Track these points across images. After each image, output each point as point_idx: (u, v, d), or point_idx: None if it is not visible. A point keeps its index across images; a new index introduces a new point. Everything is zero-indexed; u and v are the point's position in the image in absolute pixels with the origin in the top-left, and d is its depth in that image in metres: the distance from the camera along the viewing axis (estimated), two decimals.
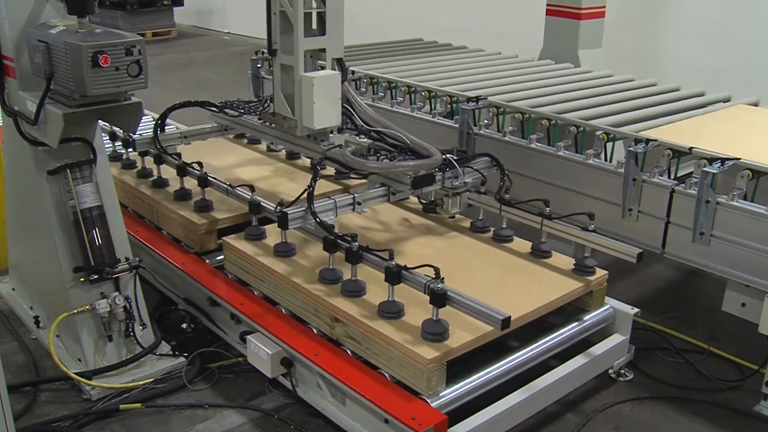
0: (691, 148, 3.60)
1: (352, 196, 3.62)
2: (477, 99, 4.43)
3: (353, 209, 3.63)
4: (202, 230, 4.03)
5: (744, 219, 3.33)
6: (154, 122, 4.72)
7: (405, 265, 3.11)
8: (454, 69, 5.45)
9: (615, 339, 3.66)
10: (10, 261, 4.34)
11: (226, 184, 4.04)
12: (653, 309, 4.33)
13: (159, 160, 4.49)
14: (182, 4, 14.82)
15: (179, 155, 4.48)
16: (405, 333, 3.04)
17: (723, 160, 3.45)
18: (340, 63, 3.85)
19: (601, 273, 3.61)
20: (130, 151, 4.84)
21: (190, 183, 4.30)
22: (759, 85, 7.24)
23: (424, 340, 2.99)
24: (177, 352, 3.79)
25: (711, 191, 3.39)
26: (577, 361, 3.46)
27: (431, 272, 3.02)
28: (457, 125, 4.49)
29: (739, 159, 3.45)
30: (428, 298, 3.02)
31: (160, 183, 4.51)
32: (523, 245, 3.85)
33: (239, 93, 8.32)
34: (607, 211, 3.81)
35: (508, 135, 4.27)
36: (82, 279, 3.54)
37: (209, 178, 4.13)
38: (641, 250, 3.45)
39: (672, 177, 3.68)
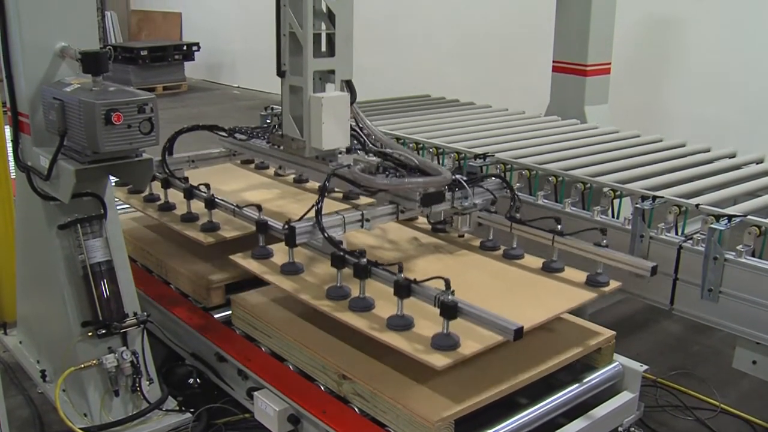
0: (698, 205, 3.62)
1: (360, 212, 3.57)
2: (484, 156, 4.47)
3: (362, 225, 3.58)
4: (210, 286, 4.04)
5: (753, 276, 3.32)
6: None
7: (414, 279, 3.05)
8: (461, 125, 5.51)
9: (624, 396, 3.62)
10: (18, 314, 4.35)
11: (233, 204, 4.02)
12: (662, 365, 4.30)
13: (166, 184, 4.47)
14: (193, 59, 15.05)
15: (186, 179, 4.46)
16: (413, 391, 3.03)
17: (730, 217, 3.46)
18: (348, 85, 3.86)
19: (608, 332, 3.60)
20: None
21: (197, 207, 4.27)
22: (764, 139, 7.31)
23: (435, 349, 2.92)
24: (183, 408, 3.77)
25: (719, 248, 3.39)
26: (586, 420, 3.41)
27: (441, 285, 2.96)
28: None
29: (746, 216, 3.46)
30: (438, 311, 2.94)
31: (167, 207, 4.48)
32: (534, 262, 3.78)
33: None
34: (615, 268, 3.81)
35: (516, 192, 4.29)
36: (90, 333, 3.54)
37: (216, 199, 4.10)
38: (655, 264, 3.41)
39: (679, 233, 3.69)
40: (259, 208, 3.87)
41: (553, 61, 6.48)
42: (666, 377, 4.22)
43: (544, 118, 6.02)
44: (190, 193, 4.25)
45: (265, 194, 4.78)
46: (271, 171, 5.30)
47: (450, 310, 2.92)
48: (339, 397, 3.32)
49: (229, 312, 3.96)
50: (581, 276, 3.58)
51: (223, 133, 4.78)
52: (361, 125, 4.00)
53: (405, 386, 3.07)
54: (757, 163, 4.69)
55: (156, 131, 3.23)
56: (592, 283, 3.51)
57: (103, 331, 3.54)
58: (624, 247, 3.75)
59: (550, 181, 4.20)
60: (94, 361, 3.55)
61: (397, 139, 5.03)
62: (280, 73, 3.90)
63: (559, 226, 3.68)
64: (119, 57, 14.08)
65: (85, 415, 3.63)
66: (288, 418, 3.33)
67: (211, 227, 4.10)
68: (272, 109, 5.84)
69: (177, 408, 3.77)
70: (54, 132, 3.29)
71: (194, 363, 4.00)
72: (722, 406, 3.99)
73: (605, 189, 3.98)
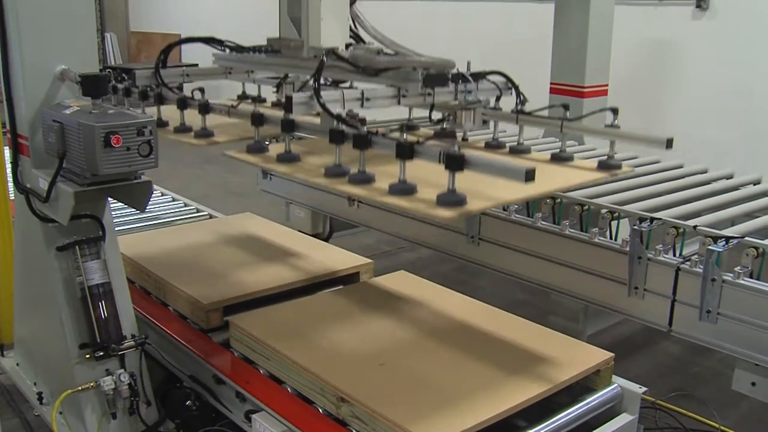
0: (695, 227, 3.63)
1: (360, 91, 3.39)
2: None
3: (361, 105, 3.39)
4: (208, 308, 4.03)
5: (751, 297, 3.33)
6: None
7: (417, 140, 2.88)
8: None
9: (623, 419, 3.60)
10: (15, 336, 4.34)
11: (227, 105, 3.90)
12: (662, 387, 4.29)
13: (160, 100, 4.37)
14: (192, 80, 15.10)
15: (181, 88, 4.29)
16: (412, 414, 3.02)
17: (727, 239, 3.47)
18: None
19: (607, 354, 3.59)
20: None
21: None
22: (763, 160, 7.32)
23: (440, 206, 2.76)
24: (181, 430, 3.75)
25: (716, 269, 3.40)
26: None
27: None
28: None
29: (743, 238, 3.47)
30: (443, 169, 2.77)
31: (160, 124, 4.34)
32: (542, 156, 3.67)
33: (247, 168, 8.37)
34: (613, 289, 3.82)
35: (514, 214, 4.30)
36: (87, 356, 3.54)
37: (210, 104, 3.93)
38: (671, 137, 3.36)
39: (677, 255, 3.70)
40: (256, 99, 3.69)
41: (551, 83, 6.51)
42: (665, 399, 4.21)
43: (541, 140, 6.03)
44: (183, 102, 4.14)
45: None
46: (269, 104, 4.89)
47: (456, 161, 2.73)
48: (338, 419, 3.30)
49: (228, 334, 3.96)
50: (592, 164, 3.47)
51: (218, 46, 4.48)
52: (360, 25, 3.80)
53: (404, 409, 3.05)
54: (755, 184, 4.71)
55: (155, 154, 3.24)
56: (604, 166, 3.41)
57: (101, 354, 3.54)
58: (622, 269, 3.76)
59: (548, 203, 4.21)
60: (92, 384, 3.54)
61: None
62: None
63: (567, 113, 3.57)
64: (118, 78, 14.11)
65: None
66: None
67: (204, 134, 3.99)
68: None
69: (175, 430, 3.75)
70: (53, 154, 3.30)
71: (192, 385, 3.98)
72: (722, 428, 3.98)
73: (603, 210, 4.00)
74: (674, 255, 3.70)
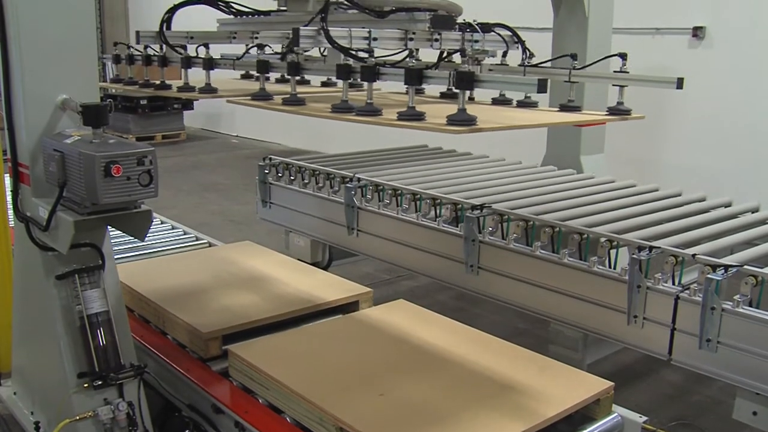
0: (694, 255, 3.64)
1: (368, 30, 3.39)
2: (481, 207, 4.49)
3: (369, 44, 3.39)
4: (207, 337, 4.02)
5: (751, 326, 3.33)
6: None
7: (426, 65, 2.92)
8: (459, 176, 5.55)
9: None
10: (13, 364, 4.32)
11: (233, 59, 3.92)
12: (662, 416, 4.27)
13: (163, 62, 4.33)
14: (192, 108, 15.18)
15: (185, 47, 4.33)
16: None
17: (726, 267, 3.47)
18: None
19: (607, 383, 3.58)
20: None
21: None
22: (760, 188, 7.35)
23: (451, 124, 2.76)
24: None
25: (716, 298, 3.40)
26: None
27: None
28: (462, 232, 4.54)
29: (742, 266, 3.47)
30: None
31: (163, 86, 4.38)
32: (551, 109, 3.65)
33: (247, 196, 8.44)
34: (612, 318, 3.82)
35: (513, 243, 4.31)
36: (86, 385, 3.52)
37: (215, 59, 4.00)
38: (682, 77, 3.34)
39: (676, 283, 3.70)
40: (259, 47, 3.76)
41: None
42: (666, 428, 4.19)
43: (540, 168, 6.07)
44: (187, 61, 4.12)
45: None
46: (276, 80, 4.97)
47: (466, 78, 2.72)
48: None
49: (227, 363, 3.94)
50: (602, 112, 3.46)
51: (224, 7, 4.46)
52: None
53: None
54: (753, 212, 4.73)
55: (155, 183, 3.25)
56: (615, 111, 3.40)
57: (99, 383, 3.52)
58: (621, 298, 3.76)
59: (547, 232, 4.22)
60: (90, 413, 3.51)
61: (395, 189, 5.06)
62: None
63: (574, 62, 3.55)
64: (119, 106, 14.21)
65: None
66: None
67: (209, 89, 3.97)
68: (270, 159, 5.89)
69: None
70: (54, 183, 3.31)
71: (191, 414, 3.96)
72: None
73: (602, 239, 4.00)
74: (673, 284, 3.70)
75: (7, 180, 3.84)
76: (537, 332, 5.39)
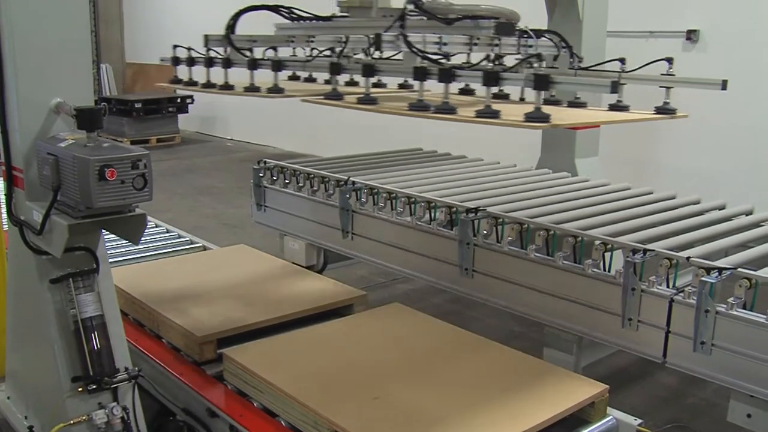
0: (688, 258, 3.64)
1: (438, 36, 3.65)
2: (476, 210, 4.49)
3: (439, 48, 3.66)
4: (202, 340, 4.02)
5: (745, 328, 3.33)
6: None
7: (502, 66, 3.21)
8: (453, 179, 5.54)
9: None
10: (6, 369, 4.31)
11: (302, 60, 4.11)
12: (657, 419, 4.27)
13: (227, 64, 4.45)
14: (187, 111, 15.16)
15: (251, 50, 4.48)
16: None
17: (720, 270, 3.48)
18: None
19: (601, 386, 3.59)
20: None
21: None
22: (754, 190, 7.37)
23: (529, 121, 3.10)
24: None
25: (710, 300, 3.41)
26: None
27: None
28: (456, 235, 4.54)
29: (736, 269, 3.48)
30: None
31: (227, 87, 4.54)
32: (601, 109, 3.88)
33: (241, 199, 8.44)
34: (607, 321, 3.82)
35: (507, 246, 4.31)
36: (80, 389, 3.51)
37: (283, 60, 4.16)
38: (726, 79, 3.72)
39: (670, 286, 3.70)
40: (332, 51, 3.91)
41: None
42: (661, 431, 4.19)
43: (535, 171, 6.07)
44: (253, 63, 4.25)
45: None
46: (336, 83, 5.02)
47: (542, 80, 3.02)
48: None
49: (222, 366, 3.94)
50: (650, 111, 3.67)
51: (285, 12, 4.67)
52: None
53: None
54: (747, 215, 4.73)
55: (149, 187, 3.24)
56: (661, 111, 3.58)
57: (94, 387, 3.51)
58: (615, 301, 3.76)
59: (542, 235, 4.22)
60: (84, 417, 3.51)
61: (389, 193, 5.06)
62: None
63: (623, 66, 3.77)
64: (114, 109, 14.19)
65: None
66: None
67: (276, 89, 4.10)
68: (264, 162, 5.89)
69: None
70: (48, 187, 3.30)
71: (185, 418, 3.96)
72: None
73: (596, 242, 4.01)
74: (668, 286, 3.71)
75: (1, 184, 3.83)
76: (532, 335, 5.39)
